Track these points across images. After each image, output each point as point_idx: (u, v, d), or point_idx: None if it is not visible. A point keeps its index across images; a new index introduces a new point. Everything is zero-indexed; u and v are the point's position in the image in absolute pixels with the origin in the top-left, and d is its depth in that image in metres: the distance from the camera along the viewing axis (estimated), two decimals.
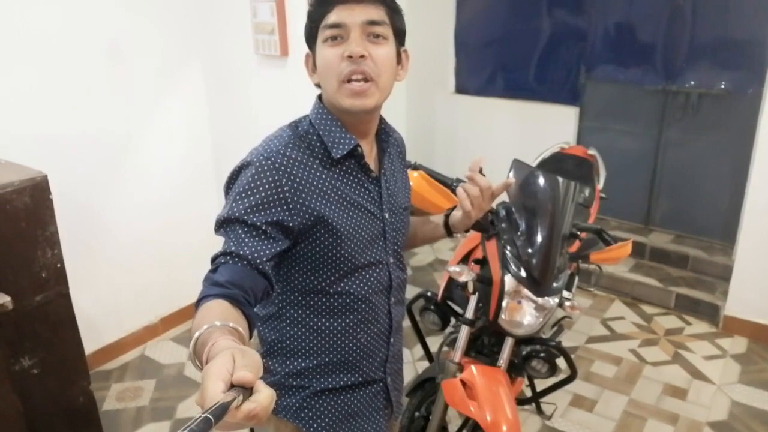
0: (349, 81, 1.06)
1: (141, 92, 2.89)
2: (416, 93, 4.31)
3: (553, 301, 1.70)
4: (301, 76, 2.69)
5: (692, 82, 3.47)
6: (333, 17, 1.06)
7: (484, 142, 4.25)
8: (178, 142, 3.11)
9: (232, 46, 3.00)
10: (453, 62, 4.40)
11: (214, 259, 1.01)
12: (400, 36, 1.14)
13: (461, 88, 4.44)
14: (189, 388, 2.77)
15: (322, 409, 1.22)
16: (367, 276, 1.18)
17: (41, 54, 2.48)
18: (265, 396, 0.63)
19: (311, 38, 1.11)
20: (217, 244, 1.04)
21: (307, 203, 1.06)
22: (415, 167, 1.76)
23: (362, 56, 1.05)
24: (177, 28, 2.97)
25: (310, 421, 1.22)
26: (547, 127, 3.86)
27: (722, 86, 3.37)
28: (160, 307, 3.18)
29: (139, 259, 3.02)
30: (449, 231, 1.39)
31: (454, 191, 1.79)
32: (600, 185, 2.63)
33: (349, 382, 1.22)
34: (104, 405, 2.64)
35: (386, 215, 1.20)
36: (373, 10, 1.07)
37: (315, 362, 1.19)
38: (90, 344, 2.59)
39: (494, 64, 4.25)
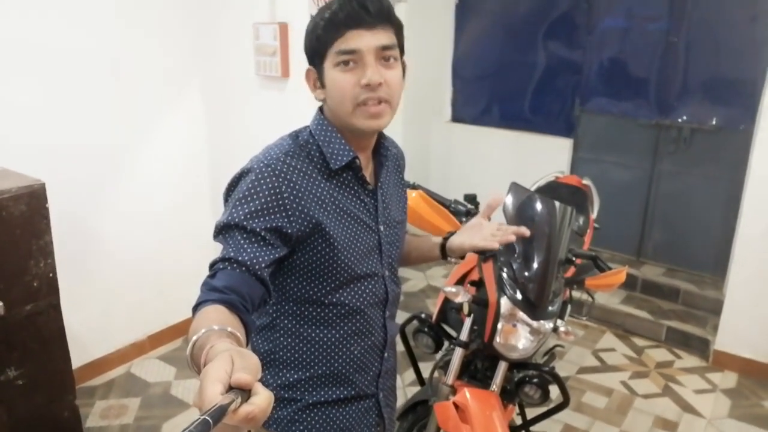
0: (365, 103, 1.07)
1: (141, 109, 2.90)
2: (413, 121, 4.35)
3: (548, 325, 1.69)
4: (301, 98, 2.77)
5: (684, 117, 3.53)
6: (346, 43, 1.05)
7: (479, 169, 4.28)
8: (176, 160, 3.11)
9: (233, 67, 3.03)
10: (450, 92, 4.46)
11: (212, 265, 1.00)
12: (402, 50, 1.14)
13: (457, 117, 4.50)
14: (174, 407, 2.72)
15: (313, 423, 1.20)
16: (363, 287, 1.17)
17: (45, 68, 2.50)
18: (263, 398, 0.62)
19: (317, 57, 1.10)
20: (213, 257, 1.03)
21: (305, 211, 1.07)
22: (414, 187, 1.77)
23: (380, 84, 1.06)
24: (179, 46, 2.99)
25: None
26: (541, 158, 3.89)
27: (714, 122, 3.43)
28: (149, 324, 3.14)
29: (130, 276, 3.00)
30: (444, 254, 1.39)
31: (452, 212, 1.82)
32: (594, 215, 2.65)
33: (341, 396, 1.21)
34: (88, 421, 2.58)
35: (381, 228, 1.20)
36: (383, 34, 1.07)
37: (308, 374, 1.18)
38: (76, 359, 2.55)
39: (490, 94, 4.32)
